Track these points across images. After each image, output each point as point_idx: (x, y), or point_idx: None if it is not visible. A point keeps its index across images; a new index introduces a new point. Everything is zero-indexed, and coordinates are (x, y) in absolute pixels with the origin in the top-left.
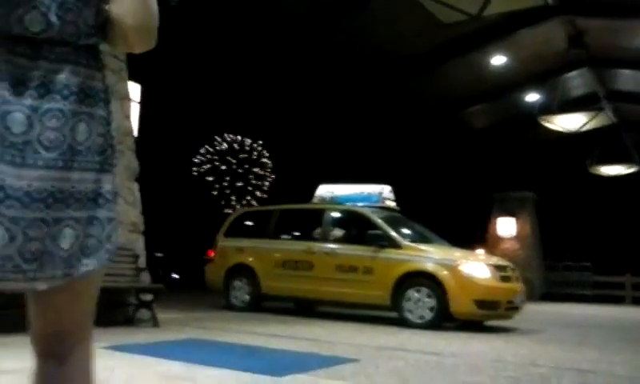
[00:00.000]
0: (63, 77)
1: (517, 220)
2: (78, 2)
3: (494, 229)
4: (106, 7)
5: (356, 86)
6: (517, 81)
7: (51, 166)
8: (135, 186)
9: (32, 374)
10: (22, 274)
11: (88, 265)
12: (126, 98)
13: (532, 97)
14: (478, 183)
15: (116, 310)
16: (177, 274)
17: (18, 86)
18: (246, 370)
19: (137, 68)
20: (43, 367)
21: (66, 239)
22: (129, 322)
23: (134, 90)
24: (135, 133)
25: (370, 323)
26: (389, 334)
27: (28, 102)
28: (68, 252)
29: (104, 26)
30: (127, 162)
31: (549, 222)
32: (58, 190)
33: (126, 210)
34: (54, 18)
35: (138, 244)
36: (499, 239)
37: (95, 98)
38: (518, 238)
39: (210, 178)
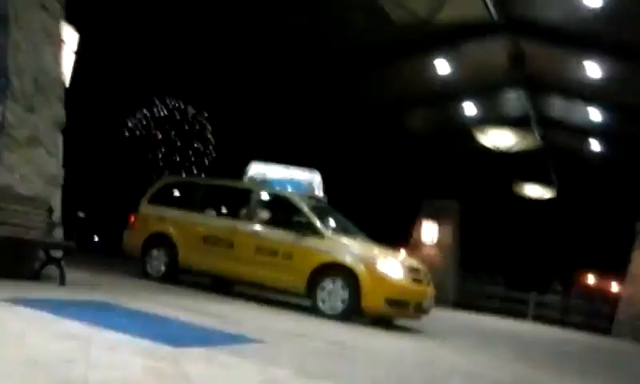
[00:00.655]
0: None
1: (440, 227)
2: None
3: (418, 233)
4: None
5: (304, 70)
6: (457, 90)
7: None
8: (59, 138)
9: None
10: None
11: None
12: (59, 44)
13: (470, 108)
14: (408, 186)
15: (22, 262)
16: (98, 236)
17: None
18: (145, 337)
19: (76, 14)
20: None
21: None
22: (34, 276)
23: (72, 37)
24: (67, 82)
25: (283, 308)
26: (299, 320)
27: None
28: None
29: None
30: (54, 111)
31: (469, 233)
32: None
33: (46, 161)
34: None
35: (55, 198)
36: (421, 244)
37: None
38: (438, 244)
39: (143, 147)
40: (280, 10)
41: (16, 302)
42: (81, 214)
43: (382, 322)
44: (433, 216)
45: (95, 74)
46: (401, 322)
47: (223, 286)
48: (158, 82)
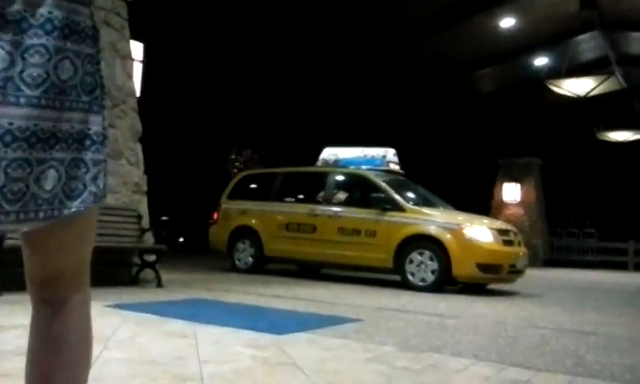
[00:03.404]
0: (45, 10)
1: (522, 186)
2: None
3: (499, 195)
4: None
5: (363, 50)
6: (525, 44)
7: (34, 105)
8: (138, 147)
9: (30, 323)
10: (5, 215)
11: (72, 207)
12: (128, 57)
13: (540, 60)
14: (483, 148)
15: (120, 269)
16: (182, 237)
17: None
18: (247, 328)
19: (140, 26)
20: (40, 314)
21: (49, 181)
22: (133, 281)
23: (137, 48)
24: (138, 93)
25: (372, 286)
26: (391, 296)
27: (9, 37)
28: (51, 193)
29: None
30: (130, 122)
31: (554, 188)
32: (42, 130)
33: (129, 171)
34: None
35: (142, 205)
36: (504, 205)
37: (81, 35)
38: (522, 203)
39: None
40: None
41: (121, 306)
42: (164, 218)
43: (476, 289)
44: (513, 175)
45: (161, 80)
46: (495, 286)
47: (310, 271)
48: (221, 79)
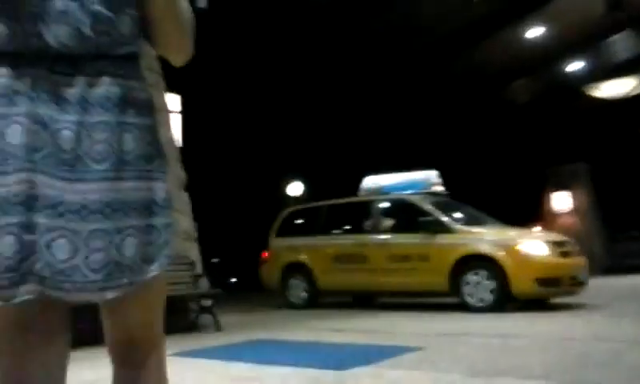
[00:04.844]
0: (103, 89)
1: (572, 193)
2: (111, 12)
3: (550, 204)
4: (141, 15)
5: (394, 75)
6: (557, 51)
7: (103, 178)
8: (184, 195)
9: (112, 382)
10: (91, 283)
11: (151, 271)
12: (163, 109)
13: (575, 66)
14: (527, 159)
15: (179, 317)
16: (234, 277)
17: (63, 104)
18: (309, 366)
19: (176, 79)
20: (121, 375)
21: (129, 248)
22: (192, 328)
23: (174, 100)
24: (179, 143)
25: (429, 311)
26: (450, 319)
27: (74, 117)
28: (131, 260)
29: (141, 34)
30: (174, 172)
31: (607, 192)
32: (114, 201)
33: (178, 219)
34: (87, 31)
35: (193, 251)
36: (556, 214)
37: (138, 108)
38: (575, 211)
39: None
40: (366, 20)
41: (185, 354)
42: (215, 260)
43: (536, 305)
44: (562, 183)
45: (202, 128)
46: (558, 300)
47: (365, 301)
48: (257, 117)
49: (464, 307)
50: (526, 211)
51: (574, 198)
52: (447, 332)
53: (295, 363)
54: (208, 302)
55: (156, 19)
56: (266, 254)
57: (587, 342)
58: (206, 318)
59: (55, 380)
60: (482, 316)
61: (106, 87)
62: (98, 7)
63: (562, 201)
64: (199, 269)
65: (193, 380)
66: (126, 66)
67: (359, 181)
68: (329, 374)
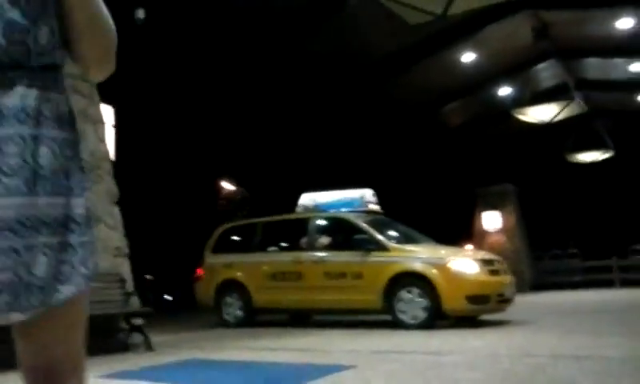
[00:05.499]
0: (17, 100)
1: (501, 213)
2: (27, 20)
3: (480, 224)
4: (63, 25)
5: (332, 96)
6: (488, 76)
7: (14, 193)
8: (116, 210)
9: None
10: None
11: (64, 291)
12: (99, 121)
13: (504, 90)
14: (459, 180)
15: (108, 336)
16: (169, 295)
17: None
18: None
19: (108, 91)
20: None
21: (40, 266)
22: (122, 348)
23: (108, 112)
24: (112, 156)
25: (364, 328)
26: (384, 337)
27: None
28: (43, 280)
29: (60, 45)
30: (106, 186)
31: (533, 213)
32: (26, 217)
33: (108, 235)
34: (1, 40)
35: (124, 268)
36: (485, 233)
37: (57, 121)
38: (503, 230)
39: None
40: (302, 42)
41: (114, 375)
42: (149, 277)
43: (466, 322)
44: (491, 203)
45: (134, 141)
46: (486, 316)
47: (301, 319)
48: (193, 135)
49: (397, 324)
50: (457, 230)
51: (503, 217)
52: (381, 349)
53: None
54: (139, 321)
55: (76, 32)
56: (201, 271)
57: (513, 357)
58: (136, 338)
59: None
60: (414, 333)
61: (20, 98)
62: (12, 15)
63: (491, 220)
64: (130, 286)
65: None
66: (43, 76)
67: (297, 197)
68: None
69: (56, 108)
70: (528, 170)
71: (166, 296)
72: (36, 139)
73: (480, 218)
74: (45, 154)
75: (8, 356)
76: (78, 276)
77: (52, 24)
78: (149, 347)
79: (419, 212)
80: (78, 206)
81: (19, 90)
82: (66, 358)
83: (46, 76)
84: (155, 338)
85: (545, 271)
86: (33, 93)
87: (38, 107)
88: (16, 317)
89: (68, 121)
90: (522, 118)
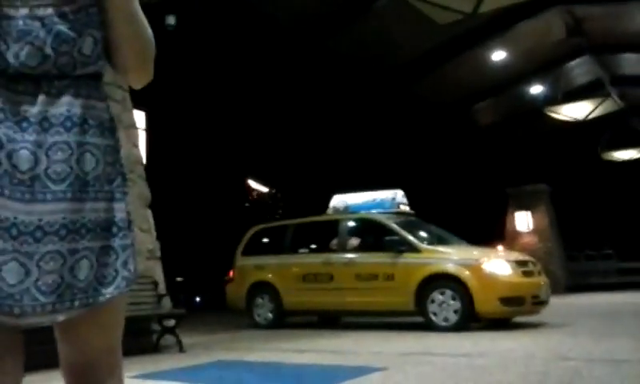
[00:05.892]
0: (64, 109)
1: (533, 214)
2: (73, 32)
3: (512, 224)
4: (104, 35)
5: (361, 97)
6: (519, 74)
7: (61, 199)
8: (149, 213)
9: None
10: (41, 307)
11: (106, 294)
12: (132, 126)
13: (536, 89)
14: (490, 180)
15: (141, 338)
16: (199, 296)
17: (21, 123)
18: None
19: (140, 95)
20: None
21: (83, 270)
22: (154, 349)
23: (139, 117)
24: (144, 160)
25: (395, 330)
26: (415, 339)
27: (32, 137)
28: (85, 282)
29: (102, 55)
30: (139, 190)
31: (566, 213)
32: (70, 222)
33: (141, 238)
34: (49, 51)
35: (157, 270)
36: (517, 234)
37: (100, 128)
38: (535, 231)
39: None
40: (331, 45)
41: (145, 376)
42: (179, 279)
43: (500, 324)
44: (523, 203)
45: (165, 145)
46: (521, 319)
47: (331, 321)
48: (224, 139)
49: (429, 326)
50: (489, 230)
51: (535, 218)
52: (412, 351)
53: None
54: (171, 323)
55: (117, 42)
56: (232, 273)
57: (548, 360)
58: (168, 339)
59: None
60: (445, 335)
61: (66, 107)
62: (60, 27)
63: (523, 221)
64: (162, 288)
65: None
66: (87, 85)
67: (328, 198)
68: None
69: (99, 116)
70: (561, 169)
71: (196, 298)
72: (81, 146)
73: (512, 219)
74: (89, 160)
75: (50, 357)
76: (119, 278)
77: (95, 35)
78: (181, 348)
79: (450, 213)
80: (120, 211)
81: (66, 99)
82: (105, 357)
83: (90, 85)
84: (186, 340)
85: (578, 272)
86: (78, 101)
87: (83, 115)
88: (60, 317)
89: (109, 128)
90: (554, 116)
